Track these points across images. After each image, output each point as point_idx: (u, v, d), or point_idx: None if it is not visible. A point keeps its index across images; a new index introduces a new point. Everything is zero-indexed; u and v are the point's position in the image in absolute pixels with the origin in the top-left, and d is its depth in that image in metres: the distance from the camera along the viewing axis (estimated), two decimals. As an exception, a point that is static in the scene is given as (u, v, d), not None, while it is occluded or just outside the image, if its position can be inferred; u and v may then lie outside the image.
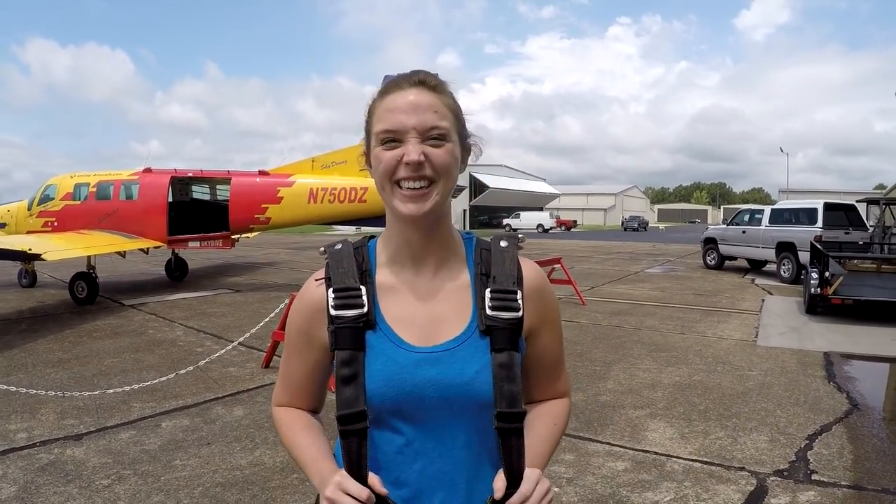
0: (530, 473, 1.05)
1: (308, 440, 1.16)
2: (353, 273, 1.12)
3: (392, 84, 1.09)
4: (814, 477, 3.78)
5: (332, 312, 1.10)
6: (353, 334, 1.08)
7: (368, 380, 1.06)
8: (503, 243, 1.17)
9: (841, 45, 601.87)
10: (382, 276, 1.15)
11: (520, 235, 1.21)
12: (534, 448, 1.13)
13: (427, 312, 1.12)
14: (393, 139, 1.05)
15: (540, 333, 1.19)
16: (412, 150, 1.04)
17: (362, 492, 0.99)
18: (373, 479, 1.03)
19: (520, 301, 1.12)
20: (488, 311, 1.10)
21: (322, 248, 1.18)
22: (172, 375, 5.59)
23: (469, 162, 1.18)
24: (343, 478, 1.02)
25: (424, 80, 1.09)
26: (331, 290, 1.11)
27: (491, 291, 1.11)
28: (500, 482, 1.05)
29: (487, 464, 1.11)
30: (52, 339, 7.82)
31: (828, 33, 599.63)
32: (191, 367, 5.78)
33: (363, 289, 1.11)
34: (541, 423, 1.21)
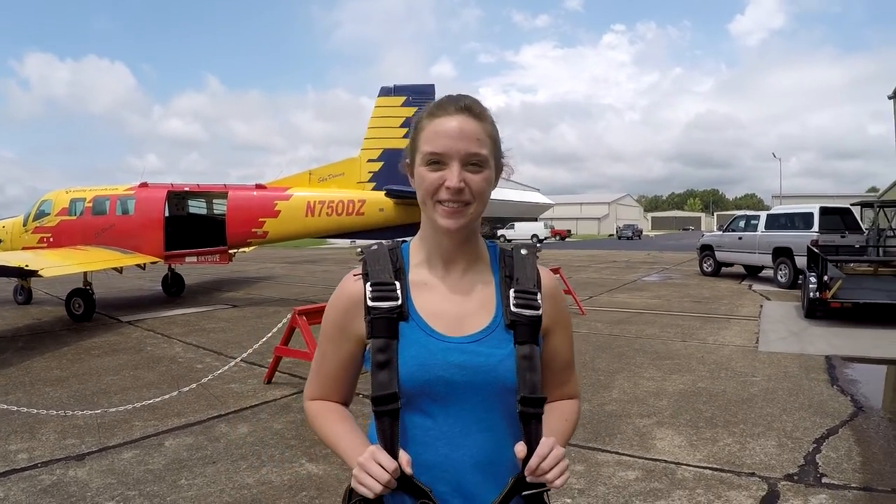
0: (546, 439, 1.14)
1: (345, 427, 1.26)
2: (388, 270, 1.24)
3: (440, 108, 1.20)
4: (824, 480, 3.76)
5: (370, 304, 1.20)
6: (388, 324, 1.19)
7: (402, 364, 1.17)
8: (523, 251, 1.30)
9: (834, 49, 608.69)
10: (415, 274, 1.27)
11: (538, 245, 1.27)
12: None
13: (455, 307, 1.23)
14: (437, 161, 1.17)
15: (553, 334, 1.30)
16: (454, 178, 1.16)
17: (391, 464, 1.09)
18: (403, 457, 1.12)
19: (540, 301, 1.25)
20: (513, 308, 1.22)
21: (359, 249, 1.30)
22: (174, 393, 5.54)
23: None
24: (377, 449, 1.13)
25: (470, 108, 1.20)
26: (368, 284, 1.22)
27: (515, 291, 1.24)
28: (521, 447, 1.14)
29: (509, 448, 1.17)
30: (50, 356, 7.75)
31: (821, 36, 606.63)
32: (193, 385, 5.73)
33: (397, 284, 1.22)
34: (552, 418, 1.28)
